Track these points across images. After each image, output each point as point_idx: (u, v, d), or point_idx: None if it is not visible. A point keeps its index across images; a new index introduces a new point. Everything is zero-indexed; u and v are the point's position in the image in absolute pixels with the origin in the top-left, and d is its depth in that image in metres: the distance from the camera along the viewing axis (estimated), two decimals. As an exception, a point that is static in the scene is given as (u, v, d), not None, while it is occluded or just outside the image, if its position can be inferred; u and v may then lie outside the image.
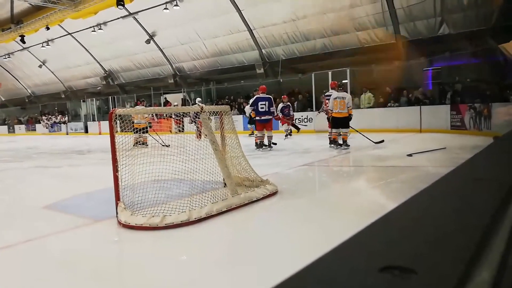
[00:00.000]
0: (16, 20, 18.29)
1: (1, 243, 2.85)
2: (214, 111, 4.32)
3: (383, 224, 1.18)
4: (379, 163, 6.55)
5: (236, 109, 17.13)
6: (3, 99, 32.50)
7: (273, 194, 3.99)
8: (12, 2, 17.47)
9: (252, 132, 11.90)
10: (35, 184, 6.07)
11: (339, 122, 8.14)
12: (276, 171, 5.68)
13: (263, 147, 8.75)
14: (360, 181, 5.10)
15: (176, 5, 15.86)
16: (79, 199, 4.47)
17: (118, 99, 23.47)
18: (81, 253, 2.67)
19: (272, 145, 8.89)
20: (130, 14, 17.52)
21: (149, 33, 18.67)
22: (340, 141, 8.21)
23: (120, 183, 3.35)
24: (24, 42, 19.42)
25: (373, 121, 12.38)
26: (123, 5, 14.31)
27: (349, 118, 8.14)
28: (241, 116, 16.02)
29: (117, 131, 3.51)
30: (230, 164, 4.11)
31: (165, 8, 16.06)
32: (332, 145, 8.38)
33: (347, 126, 8.18)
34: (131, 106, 20.28)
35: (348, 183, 4.99)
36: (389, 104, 13.44)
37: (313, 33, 15.17)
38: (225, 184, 4.00)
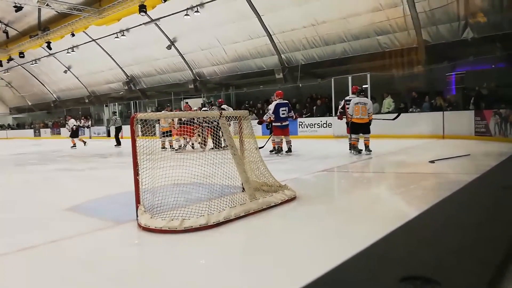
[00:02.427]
0: (43, 27, 18.97)
1: (23, 244, 2.93)
2: (233, 116, 4.35)
3: (405, 233, 1.15)
4: (400, 170, 6.43)
5: (254, 114, 17.17)
6: (30, 104, 33.65)
7: (292, 199, 3.97)
8: (39, 10, 18.11)
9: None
10: (58, 186, 6.23)
11: (360, 128, 8.05)
12: (295, 177, 5.65)
13: (281, 152, 8.75)
14: (381, 188, 5.02)
15: (197, 11, 16.10)
16: (101, 201, 4.56)
17: (140, 104, 23.93)
18: (101, 255, 2.72)
19: (291, 150, 8.86)
20: (152, 20, 17.88)
21: (170, 39, 18.99)
22: (360, 147, 8.11)
23: (140, 187, 3.40)
24: (50, 48, 20.11)
25: (393, 127, 12.17)
26: (145, 12, 14.64)
27: (369, 123, 8.06)
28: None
29: (138, 135, 3.57)
30: (249, 168, 4.11)
31: (186, 15, 16.32)
32: (352, 150, 8.28)
33: (369, 132, 8.09)
34: (152, 111, 20.64)
35: (369, 190, 4.91)
36: (410, 110, 13.20)
37: (332, 38, 15.10)
38: (243, 188, 4.00)
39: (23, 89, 32.23)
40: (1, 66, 24.90)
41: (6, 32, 21.95)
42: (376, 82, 13.74)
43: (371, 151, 7.99)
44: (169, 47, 19.21)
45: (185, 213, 3.21)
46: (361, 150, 8.07)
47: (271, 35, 16.23)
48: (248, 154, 4.24)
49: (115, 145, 15.06)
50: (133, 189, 3.43)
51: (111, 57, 22.45)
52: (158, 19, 17.72)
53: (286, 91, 11.36)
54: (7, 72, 27.98)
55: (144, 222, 3.16)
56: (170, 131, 10.86)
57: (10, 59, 23.51)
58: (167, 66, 21.08)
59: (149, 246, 2.95)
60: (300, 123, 15.11)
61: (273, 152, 8.91)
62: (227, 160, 3.85)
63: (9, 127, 34.79)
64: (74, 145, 15.20)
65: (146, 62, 21.51)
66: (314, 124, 14.95)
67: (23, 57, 22.26)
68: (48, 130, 29.82)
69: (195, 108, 14.20)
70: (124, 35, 19.39)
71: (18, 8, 15.92)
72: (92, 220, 3.66)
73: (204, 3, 15.93)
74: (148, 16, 16.91)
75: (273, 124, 8.80)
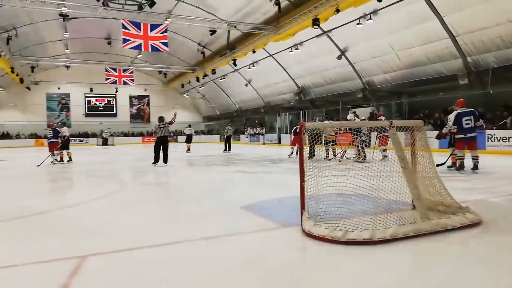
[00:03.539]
0: (231, 47, 21.84)
1: (204, 234, 3.42)
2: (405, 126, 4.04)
3: None
4: None
5: (431, 125, 15.57)
6: (217, 113, 39.24)
7: (474, 225, 3.41)
8: (228, 32, 20.93)
9: None
10: (236, 185, 7.02)
11: None
12: (479, 198, 4.84)
13: (463, 169, 7.60)
14: None
15: (370, 19, 15.71)
16: (271, 203, 4.92)
17: (309, 113, 24.85)
18: (265, 254, 2.91)
19: (477, 167, 7.58)
20: (324, 32, 18.36)
21: (341, 49, 19.10)
22: None
23: (305, 193, 3.51)
24: (235, 65, 23.04)
25: None
26: (318, 25, 15.13)
27: None
28: (436, 132, 14.43)
29: (305, 144, 3.71)
30: (421, 184, 3.74)
31: (358, 23, 16.13)
32: None
33: None
34: (319, 121, 21.17)
35: None
36: None
37: (540, 34, 12.40)
38: (413, 206, 3.67)
39: (213, 100, 37.88)
40: (198, 81, 29.85)
41: (203, 53, 26.27)
42: None
43: None
44: (339, 57, 19.35)
45: (349, 225, 3.15)
46: None
47: (454, 37, 14.46)
48: (421, 168, 3.85)
49: (223, 150, 17.93)
50: (299, 194, 3.57)
51: (285, 70, 24.09)
52: (330, 30, 18.07)
53: (472, 98, 9.93)
54: (202, 86, 33.35)
55: (307, 228, 3.25)
56: (335, 141, 10.97)
57: (205, 75, 27.97)
58: (336, 76, 21.28)
59: (312, 252, 3.01)
60: (490, 136, 12.90)
61: (453, 168, 7.85)
62: (396, 173, 3.60)
63: (202, 132, 41.27)
64: (62, 160, 12.51)
65: (316, 73, 22.25)
66: (509, 137, 12.53)
67: (214, 73, 26.17)
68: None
69: (363, 118, 13.87)
70: (298, 49, 20.51)
71: (213, 32, 18.84)
72: (261, 220, 3.98)
73: (378, 10, 15.41)
74: (321, 28, 17.44)
75: (456, 136, 7.72)
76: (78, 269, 2.62)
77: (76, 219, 4.28)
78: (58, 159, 12.34)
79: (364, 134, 8.87)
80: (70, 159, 12.59)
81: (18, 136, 33.79)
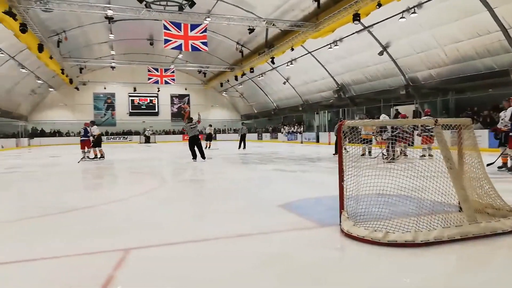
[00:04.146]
0: (269, 45, 21.82)
1: (234, 232, 3.44)
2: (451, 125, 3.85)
3: None
4: None
5: (479, 123, 14.76)
6: (255, 111, 39.41)
7: (528, 229, 3.19)
8: (267, 30, 20.94)
9: None
10: (273, 184, 7.02)
11: None
12: (534, 201, 4.53)
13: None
14: None
15: (414, 12, 15.10)
16: (308, 202, 4.88)
17: (348, 111, 24.33)
18: (300, 254, 2.88)
19: None
20: (365, 28, 17.87)
21: (383, 44, 18.53)
22: None
23: (345, 193, 3.44)
24: (273, 63, 22.99)
25: None
26: (359, 20, 14.76)
27: None
28: (485, 130, 13.66)
29: (345, 143, 3.63)
30: (469, 186, 3.55)
31: (401, 17, 15.56)
32: None
33: None
34: (359, 118, 20.69)
35: None
36: None
37: None
38: (460, 208, 3.49)
39: (251, 99, 38.08)
40: (237, 80, 30.13)
41: (241, 52, 26.47)
42: None
43: None
44: (381, 53, 18.77)
45: (390, 226, 3.06)
46: None
47: (506, 29, 13.58)
48: (469, 169, 3.66)
49: (238, 148, 18.56)
50: (337, 194, 3.51)
51: (324, 67, 23.72)
52: (371, 25, 17.56)
53: (526, 95, 9.29)
54: (241, 85, 33.63)
55: (346, 229, 3.19)
56: (371, 140, 10.84)
57: (243, 74, 28.17)
58: (377, 72, 20.67)
59: (351, 252, 2.95)
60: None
61: (504, 169, 7.40)
62: (441, 174, 3.44)
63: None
64: (95, 156, 13.26)
65: (356, 69, 21.72)
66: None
67: (252, 71, 26.30)
68: (268, 134, 34.12)
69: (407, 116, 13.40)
70: (337, 45, 20.12)
71: (251, 30, 18.93)
72: (298, 218, 3.95)
73: (423, 3, 14.78)
74: (362, 24, 16.99)
75: (510, 134, 7.27)
76: (122, 261, 2.73)
77: (117, 214, 4.48)
78: (92, 156, 13.11)
79: (406, 133, 8.54)
80: (102, 156, 13.26)
81: (67, 134, 35.78)
